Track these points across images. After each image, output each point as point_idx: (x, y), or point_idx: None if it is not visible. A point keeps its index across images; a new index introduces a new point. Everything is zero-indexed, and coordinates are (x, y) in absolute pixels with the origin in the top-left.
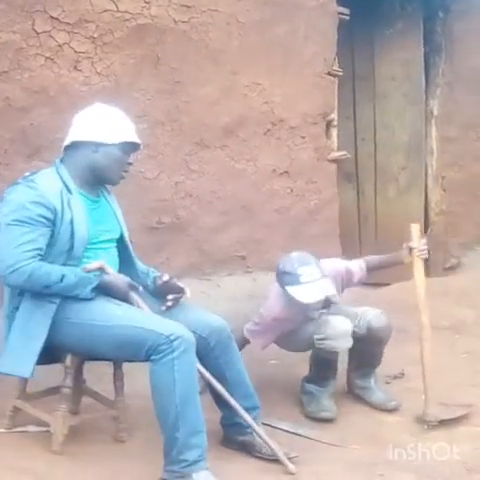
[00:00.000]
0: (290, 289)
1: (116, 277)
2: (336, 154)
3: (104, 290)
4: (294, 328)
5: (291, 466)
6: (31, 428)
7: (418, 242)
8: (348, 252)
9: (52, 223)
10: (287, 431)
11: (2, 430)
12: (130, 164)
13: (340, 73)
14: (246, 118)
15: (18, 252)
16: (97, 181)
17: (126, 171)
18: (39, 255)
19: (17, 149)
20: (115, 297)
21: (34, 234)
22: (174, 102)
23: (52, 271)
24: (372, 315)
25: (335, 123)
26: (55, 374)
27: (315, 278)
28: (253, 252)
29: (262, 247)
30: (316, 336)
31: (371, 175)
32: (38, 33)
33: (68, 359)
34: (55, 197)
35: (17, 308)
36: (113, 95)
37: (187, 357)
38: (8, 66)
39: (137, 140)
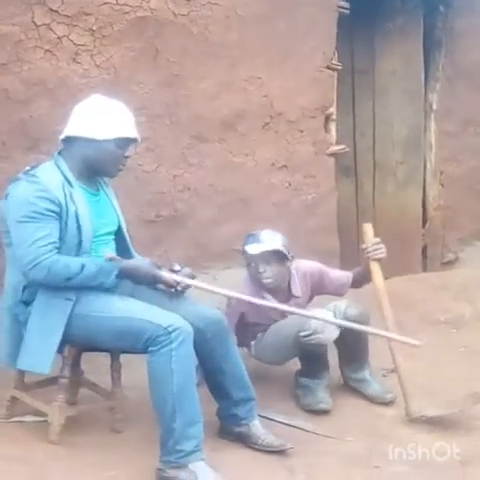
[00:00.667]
0: (247, 246)
1: (139, 261)
2: (335, 148)
3: (128, 276)
4: (261, 322)
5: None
6: (29, 418)
7: (367, 242)
8: (346, 246)
9: (59, 216)
10: (283, 423)
11: None
12: (127, 158)
13: (339, 67)
14: (245, 112)
15: (35, 248)
16: (94, 174)
17: (123, 165)
18: (56, 248)
19: (16, 142)
20: (141, 282)
21: (46, 228)
22: (173, 95)
23: (71, 263)
24: (345, 305)
25: (334, 117)
26: (53, 365)
27: (272, 241)
28: None
29: None
30: (302, 334)
31: (370, 169)
32: (37, 25)
33: (66, 350)
34: (58, 190)
35: (22, 301)
36: (112, 88)
37: (185, 348)
38: (7, 58)
39: (132, 135)
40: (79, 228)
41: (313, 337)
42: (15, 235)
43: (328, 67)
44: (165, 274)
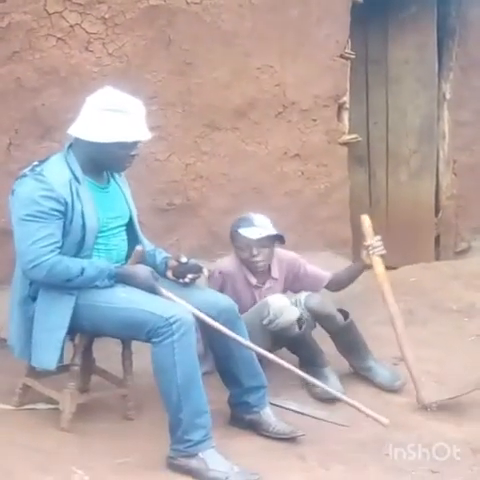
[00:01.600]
0: (242, 230)
1: (139, 268)
2: (347, 137)
3: (126, 280)
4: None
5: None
6: (40, 406)
7: (371, 239)
8: (358, 235)
9: (63, 214)
10: (294, 411)
11: (11, 407)
12: (134, 156)
13: (352, 56)
14: (258, 100)
15: (37, 247)
16: (103, 169)
17: (130, 162)
18: (58, 248)
19: (28, 130)
20: (138, 287)
21: (50, 228)
22: (185, 84)
23: (72, 265)
24: (304, 296)
25: (347, 106)
26: (65, 352)
27: (266, 225)
28: None
29: None
30: (264, 322)
31: (383, 159)
32: (50, 14)
33: (77, 338)
34: (64, 189)
35: (29, 296)
36: (124, 76)
37: (187, 339)
38: (20, 47)
39: (135, 138)
40: (83, 226)
41: (274, 322)
42: (17, 233)
43: (341, 56)
44: (162, 289)
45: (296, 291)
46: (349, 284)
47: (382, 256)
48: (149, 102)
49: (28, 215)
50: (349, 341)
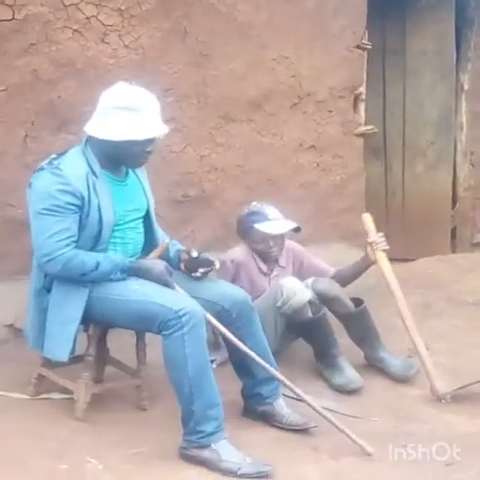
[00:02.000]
0: (259, 226)
1: (154, 263)
2: (363, 128)
3: (141, 274)
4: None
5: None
6: (55, 395)
7: (374, 235)
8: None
9: (80, 209)
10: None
11: (27, 397)
12: (149, 152)
13: (369, 47)
14: (273, 92)
15: (53, 241)
16: (119, 165)
17: (145, 158)
18: (73, 242)
19: (45, 122)
20: (152, 280)
21: (66, 222)
22: (201, 75)
23: (87, 259)
24: (311, 281)
25: (363, 97)
26: (79, 343)
27: (280, 216)
28: None
29: None
30: (278, 304)
31: (399, 150)
32: (66, 6)
33: (91, 328)
34: (81, 183)
35: (44, 288)
36: (140, 68)
37: (197, 332)
38: (36, 39)
39: (149, 136)
40: (100, 220)
41: (287, 304)
42: (34, 226)
43: (358, 46)
44: (176, 285)
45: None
46: (353, 280)
47: (385, 250)
48: (165, 94)
49: (44, 209)
50: (362, 329)
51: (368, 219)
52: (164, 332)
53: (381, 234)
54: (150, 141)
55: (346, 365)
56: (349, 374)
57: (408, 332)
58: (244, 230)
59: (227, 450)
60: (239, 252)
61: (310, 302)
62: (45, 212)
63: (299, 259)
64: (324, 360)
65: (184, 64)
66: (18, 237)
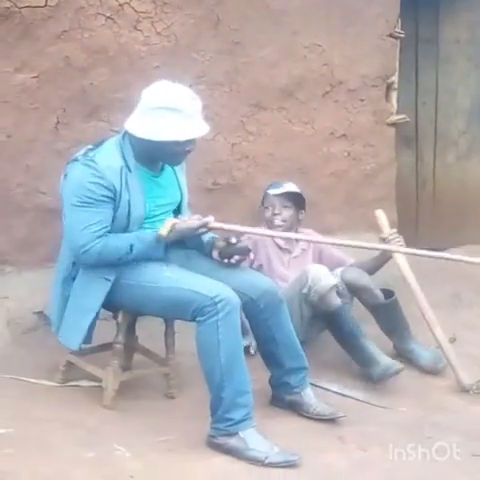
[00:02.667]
0: (270, 190)
1: (182, 227)
2: (395, 118)
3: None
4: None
5: None
6: (83, 383)
7: (387, 231)
8: (404, 217)
9: (113, 201)
10: (335, 392)
11: (55, 384)
12: (189, 151)
13: (402, 35)
14: (305, 80)
15: (87, 233)
16: (156, 160)
17: (185, 157)
18: (107, 233)
19: (76, 109)
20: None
21: (100, 214)
22: (233, 63)
23: (120, 244)
24: (340, 271)
25: (395, 86)
26: (108, 330)
27: (294, 188)
28: (308, 215)
29: (318, 210)
30: (304, 291)
31: (431, 140)
32: None
33: (120, 316)
34: (115, 176)
35: (70, 277)
36: (172, 56)
37: (231, 319)
38: (68, 26)
39: (191, 136)
40: (128, 215)
41: (314, 289)
42: (69, 218)
43: (391, 35)
44: (215, 225)
45: None
46: (373, 273)
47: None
48: (196, 81)
49: (78, 201)
50: (392, 320)
51: (381, 216)
52: (198, 318)
53: (394, 230)
54: (191, 141)
55: (378, 353)
56: (385, 361)
57: (429, 326)
58: (262, 200)
59: (255, 439)
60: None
61: (337, 291)
62: (79, 204)
63: (319, 247)
64: (354, 351)
65: (216, 52)
66: (48, 225)
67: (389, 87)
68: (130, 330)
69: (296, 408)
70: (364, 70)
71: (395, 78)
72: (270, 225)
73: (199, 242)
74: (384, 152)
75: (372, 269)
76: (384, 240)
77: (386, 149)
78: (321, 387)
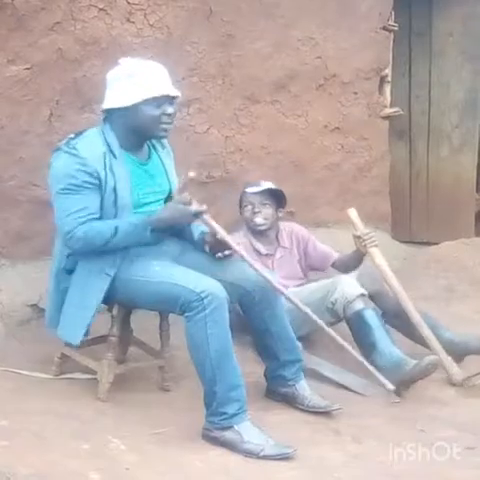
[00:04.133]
0: (249, 189)
1: (169, 207)
2: (389, 111)
3: (166, 222)
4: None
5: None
6: (78, 375)
7: (361, 230)
8: (398, 210)
9: (98, 187)
10: (331, 379)
11: (50, 376)
12: (169, 115)
13: (395, 28)
14: (298, 73)
15: (71, 219)
16: (143, 139)
17: (167, 123)
18: (94, 220)
19: (69, 101)
20: (175, 224)
21: (84, 201)
22: (226, 56)
23: (103, 228)
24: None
25: (389, 79)
26: (103, 323)
27: (270, 185)
28: (302, 208)
29: (311, 203)
30: (331, 299)
31: (424, 133)
32: None
33: (115, 309)
34: (98, 162)
35: (65, 269)
36: (165, 48)
37: (219, 314)
38: (61, 17)
39: (160, 92)
40: (115, 201)
41: (338, 300)
42: (55, 207)
43: (384, 28)
44: (205, 219)
45: (309, 268)
46: (356, 266)
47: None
48: (189, 74)
49: (63, 189)
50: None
51: (353, 214)
52: (186, 314)
53: (368, 231)
54: (167, 101)
55: (407, 357)
56: (416, 361)
57: (415, 326)
58: (239, 199)
59: (250, 431)
60: (236, 235)
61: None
62: (63, 192)
63: (303, 242)
64: (379, 356)
65: (209, 44)
66: (42, 217)
67: (382, 80)
68: (125, 323)
69: (291, 401)
70: (358, 63)
71: (388, 71)
72: (250, 224)
73: (190, 237)
74: (377, 145)
75: (355, 263)
76: (358, 238)
77: (379, 142)
78: (317, 371)
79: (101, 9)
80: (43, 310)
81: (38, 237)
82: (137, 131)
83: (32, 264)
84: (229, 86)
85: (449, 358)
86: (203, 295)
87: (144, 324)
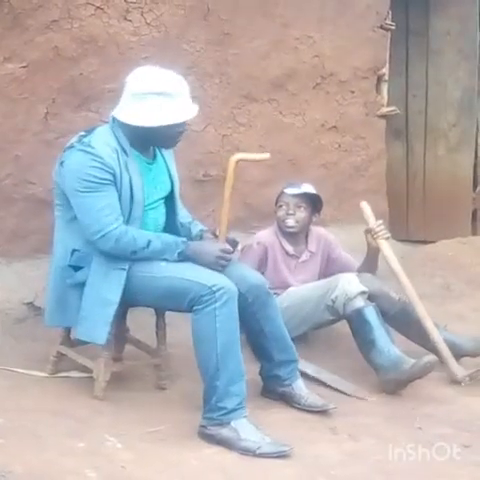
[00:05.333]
0: (287, 190)
1: (207, 244)
2: (386, 110)
3: (191, 257)
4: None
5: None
6: (74, 374)
7: (373, 223)
8: (395, 209)
9: (114, 184)
10: (320, 381)
11: (46, 375)
12: (183, 132)
13: (392, 27)
14: (296, 71)
15: (101, 217)
16: (150, 146)
17: (179, 139)
18: (120, 216)
19: (66, 99)
20: (203, 264)
21: (108, 198)
22: (223, 54)
23: (138, 237)
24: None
25: (386, 78)
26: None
27: (311, 189)
28: None
29: None
30: (331, 297)
31: (421, 132)
32: None
33: None
34: (112, 159)
35: (70, 266)
36: (162, 46)
37: (229, 308)
38: (58, 15)
39: (185, 118)
40: (132, 197)
41: (339, 297)
42: (77, 205)
43: (381, 27)
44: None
45: (327, 276)
46: (375, 269)
47: (387, 239)
48: (186, 72)
49: (83, 187)
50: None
51: (366, 208)
52: (196, 307)
53: (380, 222)
54: (182, 122)
55: (405, 356)
56: (415, 360)
57: (420, 318)
58: (277, 198)
59: (246, 429)
60: (265, 233)
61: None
62: (85, 190)
63: (329, 250)
64: (377, 355)
65: (206, 42)
66: (38, 215)
67: (379, 79)
68: (121, 321)
69: (287, 399)
70: (355, 62)
71: (386, 70)
72: (282, 225)
73: (188, 235)
74: (374, 144)
75: (371, 267)
76: (370, 232)
77: (376, 141)
78: (307, 373)
79: (98, 7)
80: (39, 308)
81: (34, 235)
82: (147, 141)
83: (28, 262)
84: (226, 85)
85: (450, 354)
86: (215, 288)
87: (140, 323)
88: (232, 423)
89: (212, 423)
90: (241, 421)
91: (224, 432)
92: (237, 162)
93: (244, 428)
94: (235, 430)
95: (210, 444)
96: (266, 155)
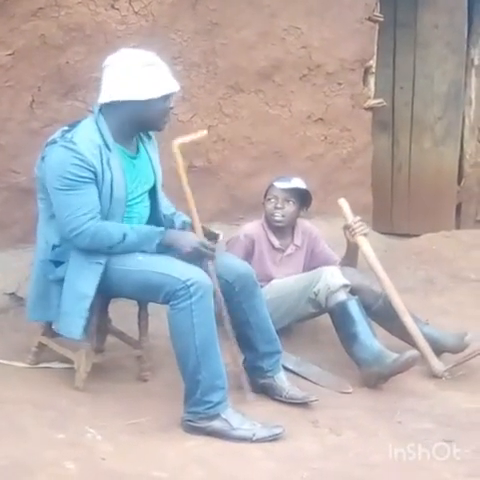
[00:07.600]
0: (276, 183)
1: (185, 233)
2: (372, 102)
3: (170, 245)
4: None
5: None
6: (55, 364)
7: (351, 219)
8: (380, 202)
9: (95, 181)
10: (296, 373)
11: (26, 365)
12: (171, 108)
13: (381, 19)
14: (283, 62)
15: (76, 216)
16: (139, 131)
17: (169, 117)
18: (97, 214)
19: (52, 87)
20: (181, 253)
21: (86, 196)
22: (211, 44)
23: (114, 231)
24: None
25: (373, 70)
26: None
27: (301, 184)
28: None
29: None
30: (314, 290)
31: (407, 124)
32: None
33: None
34: (94, 156)
35: (51, 260)
36: (149, 35)
37: (205, 302)
38: (44, 3)
39: (176, 88)
40: (111, 196)
41: (321, 291)
42: (56, 202)
43: (369, 19)
44: (208, 265)
45: (311, 270)
46: (355, 265)
47: (366, 235)
48: (173, 62)
49: (62, 185)
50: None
51: (344, 205)
52: (171, 302)
53: (358, 218)
54: (171, 96)
55: (388, 351)
56: (397, 355)
57: (399, 315)
58: (266, 191)
59: (235, 418)
60: (252, 226)
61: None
62: (64, 187)
63: (313, 244)
64: (359, 349)
65: (194, 32)
66: (22, 205)
67: (367, 71)
68: (103, 312)
69: (269, 392)
70: (342, 54)
71: (373, 62)
72: (270, 218)
73: (171, 227)
74: (360, 136)
75: (353, 261)
76: (348, 228)
77: (363, 133)
78: (292, 370)
79: None
80: (21, 299)
81: (17, 225)
82: (141, 123)
83: (11, 252)
84: (213, 75)
85: (430, 349)
86: (189, 283)
87: (123, 313)
88: (222, 414)
89: (198, 417)
90: (229, 411)
91: (215, 424)
92: (179, 147)
93: (233, 417)
94: (226, 420)
95: (192, 436)
96: (203, 132)
